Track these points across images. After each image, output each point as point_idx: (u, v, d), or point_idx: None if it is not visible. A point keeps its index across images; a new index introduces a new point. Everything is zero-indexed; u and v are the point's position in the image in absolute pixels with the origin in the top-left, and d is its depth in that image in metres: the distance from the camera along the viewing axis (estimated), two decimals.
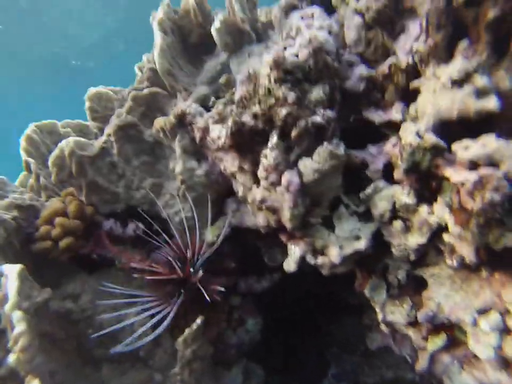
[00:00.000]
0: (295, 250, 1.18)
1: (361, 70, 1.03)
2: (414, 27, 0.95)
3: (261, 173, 1.08)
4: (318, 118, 0.98)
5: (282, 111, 0.97)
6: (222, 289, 1.31)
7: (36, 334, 0.98)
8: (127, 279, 1.41)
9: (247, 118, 1.05)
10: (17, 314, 0.89)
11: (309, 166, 1.01)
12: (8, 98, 10.68)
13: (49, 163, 1.22)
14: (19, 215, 1.22)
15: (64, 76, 10.15)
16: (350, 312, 1.62)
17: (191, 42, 1.39)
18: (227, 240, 1.36)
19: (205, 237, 1.36)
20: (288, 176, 1.02)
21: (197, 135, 1.22)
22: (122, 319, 1.27)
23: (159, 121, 1.24)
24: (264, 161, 1.05)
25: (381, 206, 1.04)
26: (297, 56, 0.98)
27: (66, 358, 1.19)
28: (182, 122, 1.24)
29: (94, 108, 1.37)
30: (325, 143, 0.99)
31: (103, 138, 1.26)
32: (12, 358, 0.89)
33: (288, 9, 1.19)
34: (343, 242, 1.11)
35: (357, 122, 1.10)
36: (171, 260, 1.29)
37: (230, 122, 1.04)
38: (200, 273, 1.29)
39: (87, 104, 1.36)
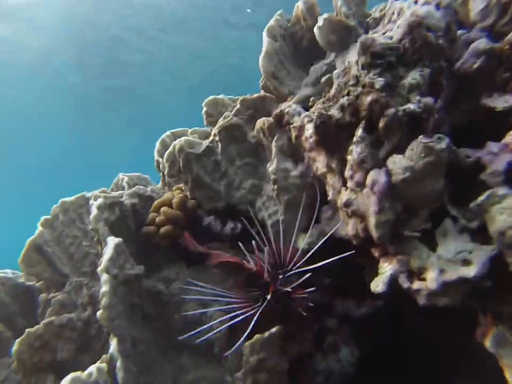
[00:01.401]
0: (386, 269, 0.99)
1: (478, 43, 0.82)
2: None
3: (347, 171, 0.97)
4: (411, 106, 0.82)
5: (367, 99, 0.85)
6: (311, 304, 1.21)
7: (123, 301, 1.10)
8: (222, 278, 1.45)
9: (334, 111, 0.96)
10: (104, 277, 1.01)
11: (399, 162, 0.84)
12: None
13: (164, 159, 1.39)
14: (138, 202, 1.42)
15: None
16: (474, 365, 1.25)
17: (303, 48, 1.39)
18: (321, 251, 1.26)
19: (297, 243, 1.29)
20: (374, 175, 0.88)
21: (293, 134, 1.18)
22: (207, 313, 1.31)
23: (259, 122, 1.27)
24: (349, 158, 0.94)
25: (500, 221, 0.78)
26: (391, 38, 0.86)
27: (153, 335, 1.29)
28: (280, 122, 1.23)
29: (210, 113, 1.50)
30: (420, 136, 0.82)
31: (210, 138, 1.36)
32: (98, 313, 1.01)
33: None
34: (445, 265, 0.88)
35: (474, 113, 0.87)
36: (261, 261, 1.27)
37: (315, 115, 0.98)
38: (289, 281, 1.22)
39: (204, 109, 1.51)
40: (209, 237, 1.42)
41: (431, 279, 0.88)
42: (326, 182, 1.11)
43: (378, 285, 1.02)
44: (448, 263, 0.88)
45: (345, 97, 0.93)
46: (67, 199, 1.47)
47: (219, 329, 1.21)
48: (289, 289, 1.20)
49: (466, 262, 0.86)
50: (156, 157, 1.63)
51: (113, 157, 13.43)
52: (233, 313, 1.22)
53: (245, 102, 1.36)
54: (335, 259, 1.14)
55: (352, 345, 1.38)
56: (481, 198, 0.81)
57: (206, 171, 1.37)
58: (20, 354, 1.20)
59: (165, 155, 1.39)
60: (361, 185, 0.93)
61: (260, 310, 1.22)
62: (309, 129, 1.04)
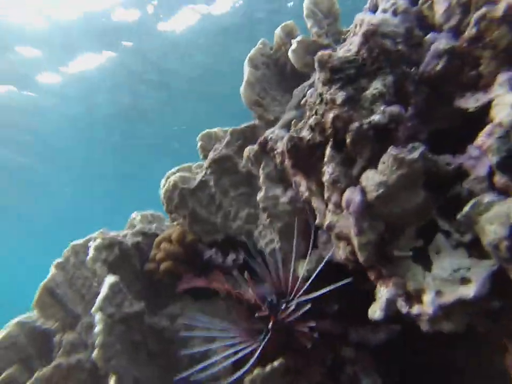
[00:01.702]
0: (382, 293, 0.91)
1: (438, 44, 0.76)
2: None
3: (325, 193, 0.92)
4: (376, 118, 0.77)
5: (330, 116, 0.81)
6: (315, 335, 1.15)
7: (121, 340, 1.09)
8: (228, 311, 1.41)
9: (305, 133, 0.93)
10: (98, 316, 1.02)
11: (372, 178, 0.79)
12: None
13: (161, 196, 1.40)
14: (143, 240, 1.43)
15: None
16: None
17: (288, 73, 1.38)
18: (323, 277, 1.19)
19: (297, 271, 1.23)
20: (348, 194, 0.82)
21: (278, 160, 1.16)
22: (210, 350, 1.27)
23: (246, 151, 1.26)
24: (324, 179, 0.89)
25: (491, 232, 0.69)
26: (350, 50, 0.83)
27: (159, 371, 1.26)
28: (265, 149, 1.21)
29: (204, 146, 1.52)
30: (390, 147, 0.76)
31: (203, 172, 1.37)
32: (93, 353, 1.01)
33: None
34: (442, 285, 0.79)
35: (452, 118, 0.80)
36: (256, 294, 1.22)
37: (285, 139, 0.95)
38: (289, 311, 1.16)
39: (198, 143, 1.52)
40: (211, 270, 1.40)
41: (428, 303, 0.79)
42: (312, 206, 1.06)
43: (375, 311, 0.94)
44: (445, 283, 0.79)
45: (313, 117, 0.89)
46: (77, 241, 1.52)
47: (222, 365, 1.16)
48: (290, 320, 1.14)
49: (464, 281, 0.77)
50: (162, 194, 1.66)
51: None
52: (235, 348, 1.18)
53: (235, 132, 1.36)
54: (332, 288, 1.07)
55: (374, 375, 1.27)
56: (466, 208, 0.73)
57: (201, 205, 1.37)
58: None
59: (162, 192, 1.41)
60: (339, 206, 0.87)
61: (262, 344, 1.16)
62: (285, 154, 1.01)
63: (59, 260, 1.54)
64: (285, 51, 1.33)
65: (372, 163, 0.82)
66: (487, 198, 0.70)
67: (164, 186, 1.51)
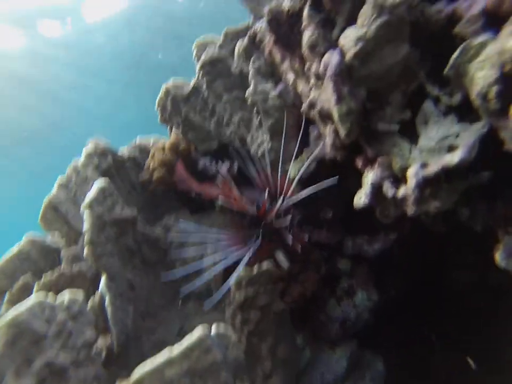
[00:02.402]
0: (368, 177, 0.84)
1: None
2: None
3: (306, 66, 0.83)
4: None
5: None
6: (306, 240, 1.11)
7: (112, 241, 1.10)
8: (224, 223, 1.39)
9: (285, 3, 0.83)
10: (86, 213, 1.02)
11: (350, 35, 0.69)
12: None
13: (156, 105, 1.36)
14: (140, 155, 1.41)
15: None
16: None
17: None
18: (315, 178, 1.13)
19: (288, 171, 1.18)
20: (325, 57, 0.74)
21: (266, 50, 1.07)
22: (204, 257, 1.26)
23: (237, 46, 1.17)
24: (303, 48, 0.80)
25: (479, 78, 0.59)
26: None
27: (158, 281, 1.28)
28: (254, 42, 1.12)
29: (200, 55, 1.42)
30: None
31: (196, 76, 1.30)
32: (84, 251, 1.03)
33: None
34: (427, 157, 0.71)
35: None
36: (246, 198, 1.18)
37: (265, 11, 0.85)
38: (284, 215, 1.13)
39: (194, 52, 1.43)
40: (206, 180, 1.37)
41: (411, 176, 0.72)
42: (299, 93, 0.97)
43: (360, 197, 0.88)
44: (432, 154, 0.71)
45: None
46: (78, 160, 1.52)
47: (212, 271, 1.14)
48: (280, 222, 1.11)
49: (452, 148, 0.68)
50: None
51: None
52: (226, 253, 1.16)
53: (228, 34, 1.27)
54: (321, 186, 1.01)
55: (370, 289, 1.23)
56: (454, 56, 0.62)
57: (195, 111, 1.32)
58: None
59: (156, 102, 1.36)
60: (320, 76, 0.79)
61: (252, 247, 1.14)
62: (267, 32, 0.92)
63: (62, 177, 1.55)
64: None
65: (353, 22, 0.72)
66: (479, 39, 0.60)
67: (159, 95, 1.46)
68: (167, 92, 1.31)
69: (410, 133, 0.75)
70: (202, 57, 1.26)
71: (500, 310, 1.04)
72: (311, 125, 1.09)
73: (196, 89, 1.31)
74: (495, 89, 0.57)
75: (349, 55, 0.70)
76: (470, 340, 1.12)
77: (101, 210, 1.09)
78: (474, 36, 0.60)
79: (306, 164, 1.08)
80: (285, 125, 1.09)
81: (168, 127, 1.50)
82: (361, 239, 1.21)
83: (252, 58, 1.13)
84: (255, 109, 1.11)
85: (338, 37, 0.74)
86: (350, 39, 0.69)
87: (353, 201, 1.05)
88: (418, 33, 0.67)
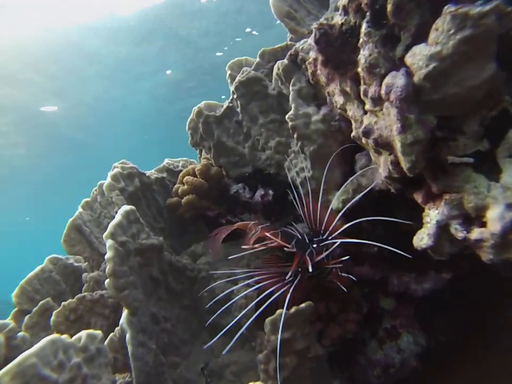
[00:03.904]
0: (432, 216, 0.73)
1: None
2: None
3: (361, 88, 0.74)
4: None
5: None
6: (351, 276, 1.00)
7: (137, 272, 1.02)
8: (255, 253, 1.29)
9: (337, 18, 0.75)
10: (109, 242, 0.94)
11: (420, 53, 0.60)
12: None
13: (186, 127, 1.29)
14: (168, 177, 1.35)
15: None
16: None
17: None
18: (361, 210, 1.02)
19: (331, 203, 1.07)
20: (389, 79, 0.64)
21: (309, 71, 0.98)
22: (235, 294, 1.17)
23: (275, 67, 1.10)
24: (359, 70, 0.71)
25: None
26: None
27: (184, 313, 1.19)
28: (295, 62, 1.04)
29: (234, 76, 1.36)
30: (447, 6, 0.56)
31: (230, 97, 1.23)
32: (106, 282, 0.95)
33: None
34: None
35: None
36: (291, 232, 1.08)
37: (313, 27, 0.77)
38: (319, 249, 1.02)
39: (228, 73, 1.37)
40: (239, 207, 1.28)
41: (494, 220, 0.60)
42: (348, 116, 0.88)
43: (422, 238, 0.76)
44: None
45: None
46: (104, 181, 1.47)
47: (247, 308, 1.04)
48: (320, 260, 0.99)
49: None
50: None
51: None
52: (260, 288, 1.06)
53: (265, 54, 1.21)
54: (369, 219, 0.90)
55: (417, 331, 1.10)
56: None
57: (228, 134, 1.24)
58: (56, 325, 1.21)
59: (187, 123, 1.30)
60: (379, 100, 0.69)
61: (290, 285, 1.03)
62: (314, 51, 0.84)
63: (87, 199, 1.51)
64: None
65: (422, 37, 0.62)
66: None
67: (190, 116, 1.40)
68: (199, 113, 1.24)
69: (488, 168, 0.64)
70: (237, 78, 1.20)
71: None
72: (358, 153, 1.00)
73: (229, 111, 1.24)
74: None
75: (418, 77, 0.60)
76: None
77: (125, 239, 1.02)
78: None
79: (355, 199, 0.98)
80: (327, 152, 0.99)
81: (198, 150, 1.44)
82: (408, 277, 1.08)
83: (292, 80, 1.05)
84: (296, 134, 1.02)
85: (403, 56, 0.64)
86: (420, 57, 0.59)
87: (400, 234, 0.95)
88: (507, 46, 0.56)
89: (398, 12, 0.61)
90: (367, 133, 0.74)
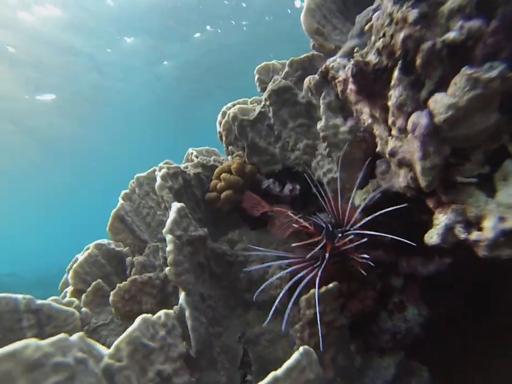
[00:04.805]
0: (441, 219, 0.93)
1: None
2: None
3: (389, 119, 0.91)
4: (452, 35, 0.73)
5: (400, 36, 0.79)
6: (370, 262, 1.20)
7: (189, 260, 1.22)
8: (283, 240, 1.49)
9: (371, 57, 0.91)
10: (168, 237, 1.13)
11: (441, 101, 0.77)
12: None
13: (221, 128, 1.45)
14: (202, 171, 1.52)
15: None
16: None
17: (350, 1, 1.31)
18: (379, 208, 1.21)
19: (354, 201, 1.27)
20: (415, 118, 0.82)
21: (339, 89, 1.15)
22: (268, 272, 1.38)
23: (306, 81, 1.25)
24: (389, 104, 0.88)
25: None
26: None
27: (223, 292, 1.40)
28: (326, 78, 1.20)
29: (262, 79, 1.52)
30: (465, 67, 0.73)
31: (262, 103, 1.38)
32: (166, 269, 1.15)
33: None
34: (506, 212, 0.79)
35: None
36: (319, 222, 1.28)
37: (350, 64, 0.93)
38: (346, 238, 1.22)
39: (256, 76, 1.52)
40: (269, 199, 1.47)
41: (488, 228, 0.80)
42: (374, 134, 1.06)
43: (432, 236, 0.96)
44: (509, 209, 0.79)
45: (381, 39, 0.87)
46: (141, 174, 1.64)
47: (284, 290, 1.25)
48: (345, 248, 1.20)
49: None
50: (218, 128, 1.72)
51: None
52: (292, 271, 1.27)
53: (293, 63, 1.35)
54: (387, 211, 1.10)
55: (421, 305, 1.33)
56: None
57: (260, 136, 1.41)
58: (114, 304, 1.42)
59: (221, 124, 1.46)
60: (404, 131, 0.87)
61: (320, 268, 1.24)
62: (349, 79, 1.00)
63: (126, 191, 1.68)
64: None
65: (442, 86, 0.79)
66: None
67: (224, 118, 1.56)
68: (234, 117, 1.40)
69: (487, 187, 0.83)
70: (270, 86, 1.35)
71: None
72: (379, 160, 1.18)
73: (261, 115, 1.40)
74: None
75: (438, 119, 0.78)
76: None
77: (179, 233, 1.21)
78: None
79: (373, 194, 1.17)
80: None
81: (225, 147, 1.60)
82: (416, 260, 1.30)
83: (323, 94, 1.21)
84: (326, 142, 1.19)
85: (426, 98, 0.81)
86: (440, 105, 0.77)
87: (411, 227, 1.15)
88: (507, 100, 0.74)
89: (425, 65, 0.78)
90: (392, 154, 0.93)
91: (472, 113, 0.75)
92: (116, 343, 0.85)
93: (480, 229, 0.85)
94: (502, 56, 0.75)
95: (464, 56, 0.74)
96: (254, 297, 1.25)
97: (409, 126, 0.83)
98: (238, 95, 1.85)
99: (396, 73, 0.83)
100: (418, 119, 0.81)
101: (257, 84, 1.54)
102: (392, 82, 0.85)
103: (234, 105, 1.79)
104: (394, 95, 0.84)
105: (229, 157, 1.70)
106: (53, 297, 1.49)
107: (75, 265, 1.63)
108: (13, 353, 0.66)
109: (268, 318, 1.14)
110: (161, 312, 1.02)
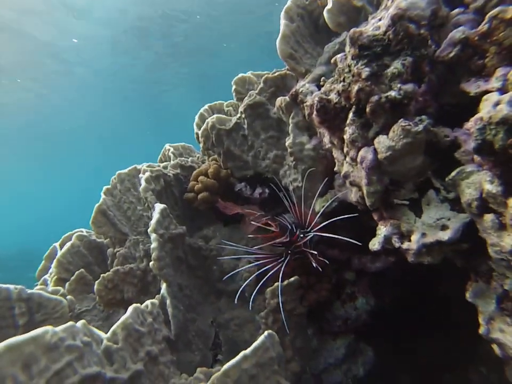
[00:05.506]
0: (381, 230, 1.15)
1: (454, 33, 0.89)
2: None
3: (345, 148, 1.11)
4: (392, 93, 0.93)
5: (355, 88, 0.98)
6: (324, 260, 1.42)
7: (169, 255, 1.39)
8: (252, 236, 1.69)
9: (332, 96, 1.10)
10: (153, 236, 1.29)
11: (383, 142, 0.98)
12: None
13: (200, 134, 1.61)
14: (181, 172, 1.67)
15: None
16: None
17: (322, 25, 1.47)
18: (336, 214, 1.43)
19: (315, 207, 1.48)
20: (363, 152, 1.02)
21: (306, 112, 1.33)
22: (239, 265, 1.58)
23: (278, 101, 1.42)
24: (345, 137, 1.08)
25: (467, 193, 0.90)
26: (379, 28, 0.96)
27: (198, 282, 1.59)
28: (295, 101, 1.37)
29: (239, 90, 1.67)
30: (400, 120, 0.94)
31: (238, 115, 1.55)
32: (150, 264, 1.31)
33: None
34: (427, 229, 1.02)
35: (460, 96, 0.96)
36: (285, 223, 1.48)
37: (315, 99, 1.12)
38: (307, 238, 1.43)
39: (233, 87, 1.67)
40: (240, 201, 1.65)
41: (414, 241, 1.03)
42: (333, 155, 1.26)
43: (375, 244, 1.19)
44: (430, 228, 1.02)
45: (341, 84, 1.05)
46: (122, 171, 1.76)
47: (249, 279, 1.46)
48: (305, 246, 1.41)
49: (444, 227, 1.00)
50: (195, 129, 1.86)
51: None
52: (259, 264, 1.47)
53: (267, 80, 1.51)
54: (341, 218, 1.31)
55: (369, 296, 1.58)
56: (453, 174, 0.92)
57: (235, 144, 1.57)
58: (99, 292, 1.57)
59: (200, 132, 1.61)
60: (355, 160, 1.07)
61: (283, 264, 1.45)
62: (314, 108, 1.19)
63: (107, 186, 1.80)
64: (320, 4, 1.41)
65: (385, 129, 1.00)
66: (469, 168, 0.90)
67: (201, 126, 1.71)
68: (212, 126, 1.56)
69: (416, 209, 1.06)
70: (246, 101, 1.51)
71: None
72: (337, 174, 1.39)
73: (237, 125, 1.56)
74: (475, 203, 0.88)
75: (380, 156, 0.99)
76: (449, 333, 1.50)
77: (162, 232, 1.37)
78: (466, 164, 0.90)
79: (329, 202, 1.39)
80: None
81: (201, 150, 1.75)
82: (366, 258, 1.54)
83: (292, 114, 1.39)
84: (293, 157, 1.38)
85: (373, 137, 1.02)
86: (383, 145, 0.97)
87: (362, 231, 1.38)
88: (431, 147, 0.96)
89: (373, 113, 0.98)
90: (346, 176, 1.13)
91: (405, 154, 0.96)
92: (112, 328, 1.02)
93: (410, 241, 1.08)
94: (429, 111, 0.96)
95: (401, 110, 0.95)
96: (223, 279, 1.46)
97: (358, 158, 1.03)
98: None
99: (350, 114, 1.03)
100: (366, 153, 1.01)
101: (234, 94, 1.69)
102: (348, 121, 1.04)
103: (210, 107, 1.94)
104: (349, 132, 1.04)
105: (205, 157, 1.85)
106: (39, 286, 1.62)
107: (58, 255, 1.75)
108: (35, 337, 0.81)
109: (235, 301, 1.34)
110: (148, 302, 1.20)
